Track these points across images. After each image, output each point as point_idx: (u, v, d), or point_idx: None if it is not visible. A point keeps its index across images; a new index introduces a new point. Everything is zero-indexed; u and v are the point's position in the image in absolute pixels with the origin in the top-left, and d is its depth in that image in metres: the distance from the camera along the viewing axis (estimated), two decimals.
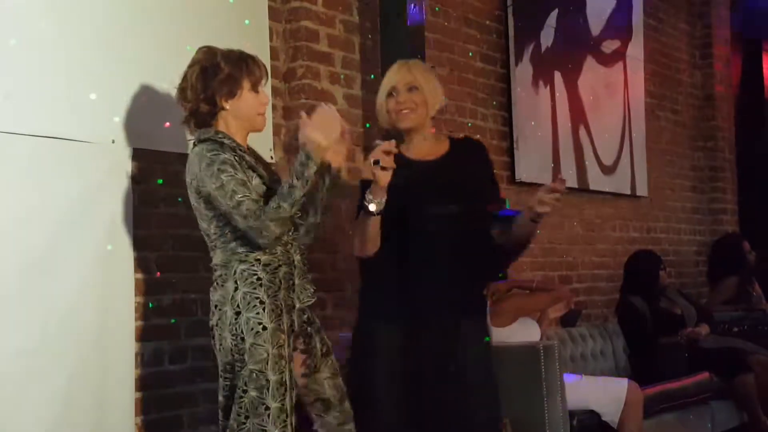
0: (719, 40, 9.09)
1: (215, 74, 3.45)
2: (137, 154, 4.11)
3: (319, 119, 3.39)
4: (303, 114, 3.42)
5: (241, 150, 3.43)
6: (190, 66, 3.50)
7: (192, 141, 3.50)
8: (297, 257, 3.50)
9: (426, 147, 3.74)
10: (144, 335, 4.14)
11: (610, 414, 5.10)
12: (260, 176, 3.43)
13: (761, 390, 6.57)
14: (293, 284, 3.47)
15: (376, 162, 3.36)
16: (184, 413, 4.29)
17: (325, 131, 3.35)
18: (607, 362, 6.43)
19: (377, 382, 3.64)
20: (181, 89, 3.51)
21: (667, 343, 6.39)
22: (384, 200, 3.45)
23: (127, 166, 4.06)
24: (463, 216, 3.64)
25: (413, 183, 3.60)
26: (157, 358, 4.21)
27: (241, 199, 3.28)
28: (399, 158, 3.49)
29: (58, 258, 3.74)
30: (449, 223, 3.63)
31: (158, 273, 4.21)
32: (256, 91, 3.52)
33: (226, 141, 3.41)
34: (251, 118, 3.52)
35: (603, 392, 5.16)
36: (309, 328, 3.55)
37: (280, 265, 3.42)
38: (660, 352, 6.36)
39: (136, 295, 4.08)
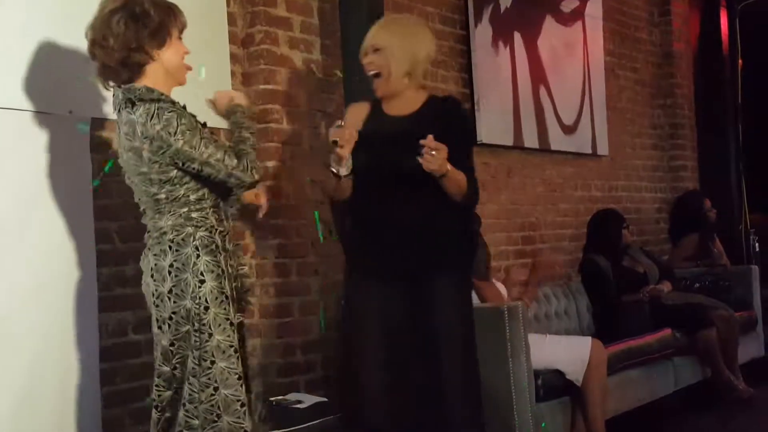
0: None
1: (146, 23, 3.28)
2: (95, 124, 4.07)
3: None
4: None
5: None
6: (112, 12, 3.26)
7: (122, 101, 3.30)
8: (228, 223, 3.46)
9: (401, 103, 3.86)
10: (107, 306, 4.11)
11: (575, 373, 5.13)
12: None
13: (723, 345, 6.66)
14: (229, 251, 3.42)
15: (335, 142, 3.67)
16: (150, 383, 4.26)
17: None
18: (571, 321, 6.48)
19: (362, 337, 3.81)
20: (102, 37, 3.28)
21: (630, 301, 6.44)
22: (350, 163, 3.71)
23: (85, 135, 4.01)
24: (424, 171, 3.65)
25: (383, 137, 3.77)
26: (121, 328, 4.19)
27: (214, 150, 3.28)
28: (374, 110, 3.82)
29: (17, 231, 3.71)
30: (413, 177, 3.68)
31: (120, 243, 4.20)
32: (180, 40, 3.42)
33: (172, 99, 3.31)
34: (179, 68, 3.41)
35: (567, 351, 5.19)
36: (244, 295, 3.52)
37: (225, 233, 3.40)
38: (623, 309, 6.41)
39: (98, 266, 4.05)
